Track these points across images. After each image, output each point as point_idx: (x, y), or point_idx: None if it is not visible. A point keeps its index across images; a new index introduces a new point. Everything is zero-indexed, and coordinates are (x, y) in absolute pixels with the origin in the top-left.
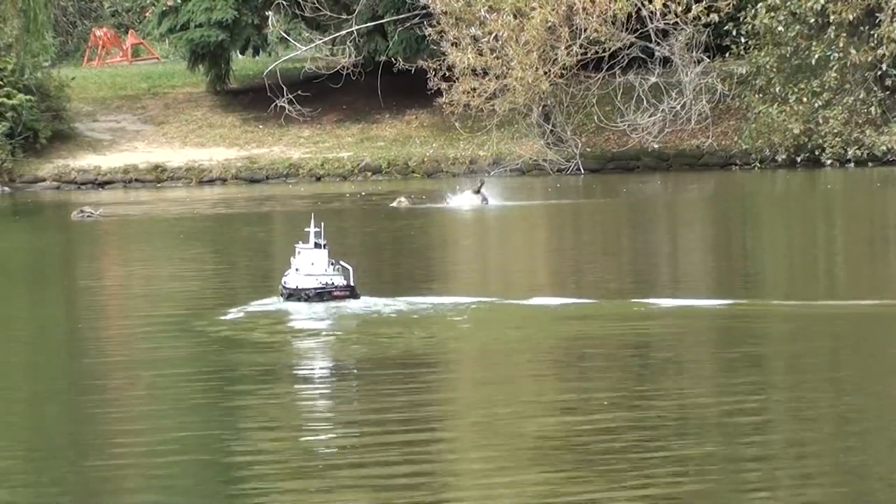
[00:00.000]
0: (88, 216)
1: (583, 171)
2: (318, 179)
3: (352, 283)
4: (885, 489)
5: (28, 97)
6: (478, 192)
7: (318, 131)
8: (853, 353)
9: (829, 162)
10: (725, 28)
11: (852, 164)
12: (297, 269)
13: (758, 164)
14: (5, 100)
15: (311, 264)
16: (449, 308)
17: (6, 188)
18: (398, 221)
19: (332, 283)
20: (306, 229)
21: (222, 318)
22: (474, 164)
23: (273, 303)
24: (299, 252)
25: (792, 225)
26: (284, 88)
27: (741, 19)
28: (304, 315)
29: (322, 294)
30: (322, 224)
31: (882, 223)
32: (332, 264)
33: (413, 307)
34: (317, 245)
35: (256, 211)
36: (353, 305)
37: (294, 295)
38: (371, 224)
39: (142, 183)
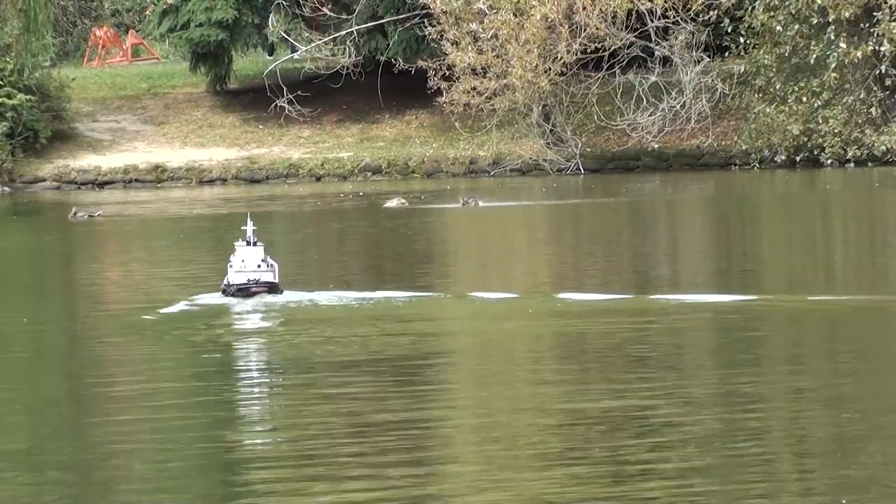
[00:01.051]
0: (85, 216)
1: (583, 171)
2: (318, 180)
3: (274, 280)
4: (880, 468)
5: (28, 97)
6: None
7: (318, 131)
8: (850, 344)
9: (828, 162)
10: (722, 24)
11: (852, 164)
12: (230, 266)
13: (756, 165)
14: (5, 100)
15: (241, 261)
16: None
17: (6, 188)
18: (392, 221)
19: (254, 280)
20: (242, 227)
21: (161, 311)
22: (474, 164)
23: (210, 298)
24: (236, 250)
25: (790, 224)
26: (284, 88)
27: (740, 18)
28: (236, 311)
29: (243, 289)
30: (252, 223)
31: (881, 222)
32: (263, 261)
33: (369, 302)
34: (248, 243)
35: (255, 211)
36: (279, 300)
37: (226, 291)
38: (359, 223)
39: (142, 183)
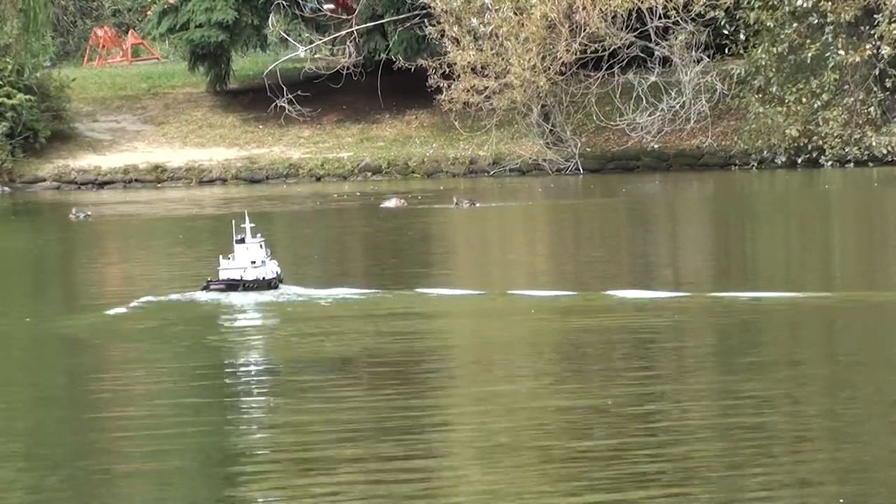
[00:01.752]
0: (83, 217)
1: (582, 171)
2: (318, 180)
3: (238, 277)
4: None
5: (28, 97)
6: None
7: (318, 131)
8: (848, 337)
9: (828, 163)
10: (719, 21)
11: (852, 165)
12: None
13: (754, 165)
14: (5, 100)
15: (228, 259)
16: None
17: (6, 188)
18: (388, 222)
19: (211, 279)
20: (242, 225)
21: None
22: (474, 164)
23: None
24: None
25: (788, 223)
26: (284, 88)
27: (737, 17)
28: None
29: (205, 286)
30: (249, 221)
31: (880, 220)
32: (252, 261)
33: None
34: (239, 241)
35: (255, 211)
36: (274, 295)
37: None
38: (353, 223)
39: (142, 183)
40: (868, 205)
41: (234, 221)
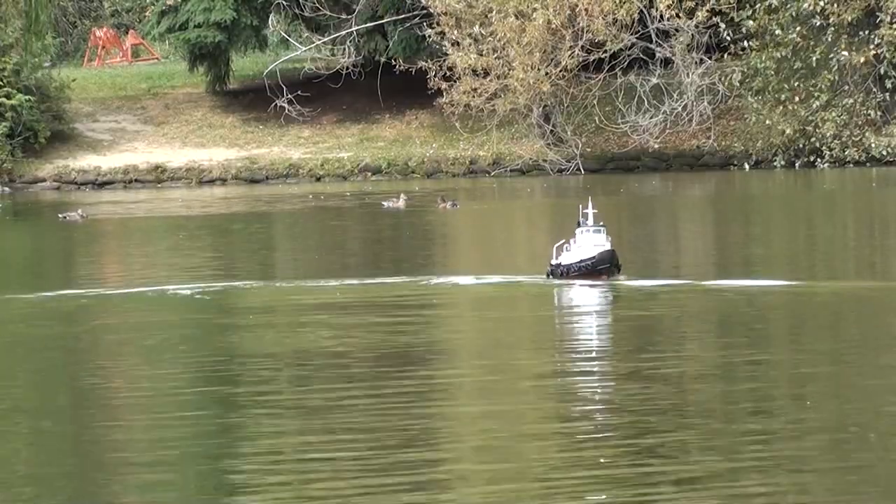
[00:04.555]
0: (81, 217)
1: (583, 171)
2: (318, 180)
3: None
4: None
5: (28, 97)
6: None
7: (318, 131)
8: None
9: (824, 165)
10: (722, 32)
11: (850, 165)
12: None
13: (746, 165)
14: (5, 100)
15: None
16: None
17: (6, 188)
18: (384, 220)
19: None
20: (584, 210)
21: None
22: (474, 164)
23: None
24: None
25: (786, 222)
26: (284, 88)
27: (738, 20)
28: None
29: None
30: (592, 206)
31: (880, 220)
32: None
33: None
34: (579, 224)
35: (244, 211)
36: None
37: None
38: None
39: (142, 183)
40: (867, 204)
41: (580, 207)
